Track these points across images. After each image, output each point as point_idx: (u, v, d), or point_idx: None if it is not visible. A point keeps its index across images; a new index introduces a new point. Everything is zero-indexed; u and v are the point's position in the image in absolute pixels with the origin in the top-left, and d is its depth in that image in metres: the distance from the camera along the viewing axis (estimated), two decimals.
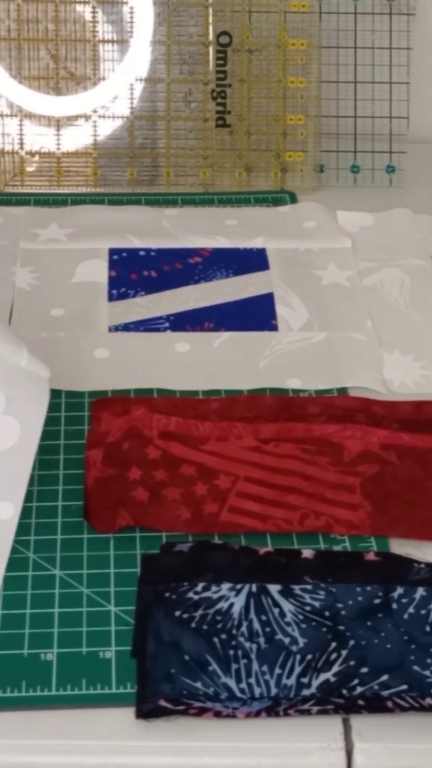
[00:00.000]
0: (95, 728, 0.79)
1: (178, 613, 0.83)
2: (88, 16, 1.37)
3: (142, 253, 1.26)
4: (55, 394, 1.06)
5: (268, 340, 1.14)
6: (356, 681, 0.80)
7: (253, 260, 1.25)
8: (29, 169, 1.40)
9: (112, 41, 1.37)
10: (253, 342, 1.14)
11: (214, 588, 0.85)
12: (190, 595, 0.84)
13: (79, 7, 1.37)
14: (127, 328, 1.15)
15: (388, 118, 1.41)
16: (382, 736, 0.79)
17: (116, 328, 1.15)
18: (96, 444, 0.97)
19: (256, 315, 1.18)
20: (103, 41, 1.37)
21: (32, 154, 1.40)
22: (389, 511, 0.94)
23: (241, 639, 0.82)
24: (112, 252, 1.26)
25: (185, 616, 0.83)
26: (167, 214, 1.33)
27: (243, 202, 1.36)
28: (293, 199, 1.37)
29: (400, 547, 0.92)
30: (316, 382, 1.09)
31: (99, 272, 1.23)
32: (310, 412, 1.02)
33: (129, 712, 0.79)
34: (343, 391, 1.08)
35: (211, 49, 1.37)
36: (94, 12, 1.36)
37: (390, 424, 1.00)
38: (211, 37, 1.37)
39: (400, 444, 0.97)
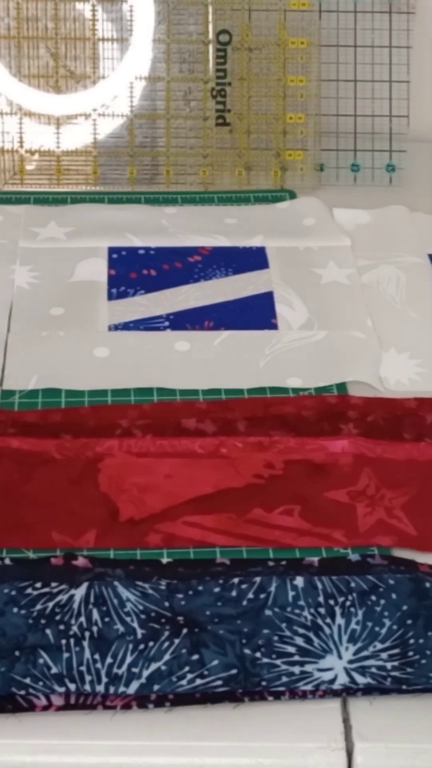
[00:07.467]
0: (95, 728, 0.79)
1: (15, 610, 0.83)
2: (88, 14, 1.37)
3: (141, 251, 1.25)
4: (54, 393, 1.06)
5: (268, 339, 1.14)
6: (186, 669, 0.80)
7: (253, 259, 1.25)
8: (29, 167, 1.40)
9: (112, 39, 1.37)
10: (253, 341, 1.14)
11: (53, 583, 0.85)
12: (29, 591, 0.85)
13: (78, 5, 1.36)
14: (126, 327, 1.15)
15: (388, 116, 1.41)
16: (382, 736, 0.79)
17: (116, 327, 1.15)
18: None
19: (256, 314, 1.18)
20: (103, 39, 1.37)
21: (32, 152, 1.39)
22: None
23: (76, 629, 0.82)
24: (112, 251, 1.25)
25: (23, 612, 0.83)
26: (167, 213, 1.33)
27: (243, 201, 1.36)
28: (293, 198, 1.37)
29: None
30: (316, 381, 1.09)
31: (98, 271, 1.23)
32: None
33: (129, 712, 0.79)
34: (342, 387, 1.08)
35: (210, 48, 1.37)
36: (93, 10, 1.36)
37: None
38: (210, 35, 1.37)
39: None
